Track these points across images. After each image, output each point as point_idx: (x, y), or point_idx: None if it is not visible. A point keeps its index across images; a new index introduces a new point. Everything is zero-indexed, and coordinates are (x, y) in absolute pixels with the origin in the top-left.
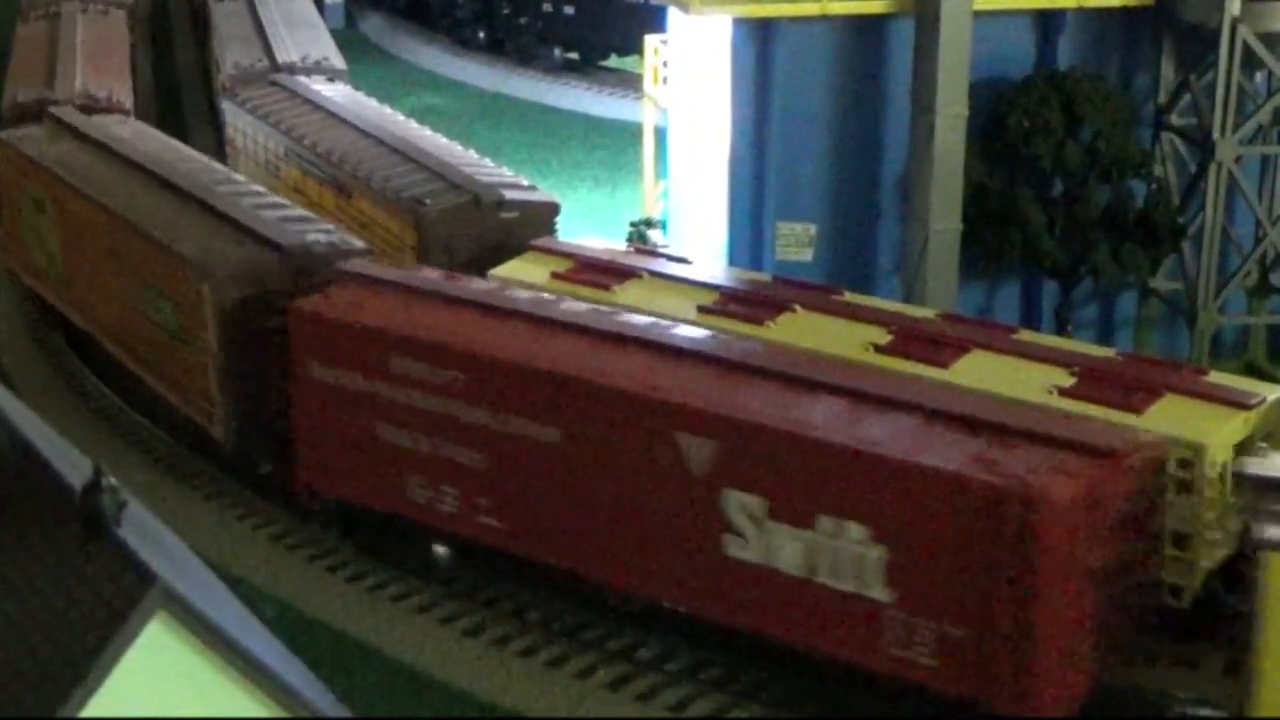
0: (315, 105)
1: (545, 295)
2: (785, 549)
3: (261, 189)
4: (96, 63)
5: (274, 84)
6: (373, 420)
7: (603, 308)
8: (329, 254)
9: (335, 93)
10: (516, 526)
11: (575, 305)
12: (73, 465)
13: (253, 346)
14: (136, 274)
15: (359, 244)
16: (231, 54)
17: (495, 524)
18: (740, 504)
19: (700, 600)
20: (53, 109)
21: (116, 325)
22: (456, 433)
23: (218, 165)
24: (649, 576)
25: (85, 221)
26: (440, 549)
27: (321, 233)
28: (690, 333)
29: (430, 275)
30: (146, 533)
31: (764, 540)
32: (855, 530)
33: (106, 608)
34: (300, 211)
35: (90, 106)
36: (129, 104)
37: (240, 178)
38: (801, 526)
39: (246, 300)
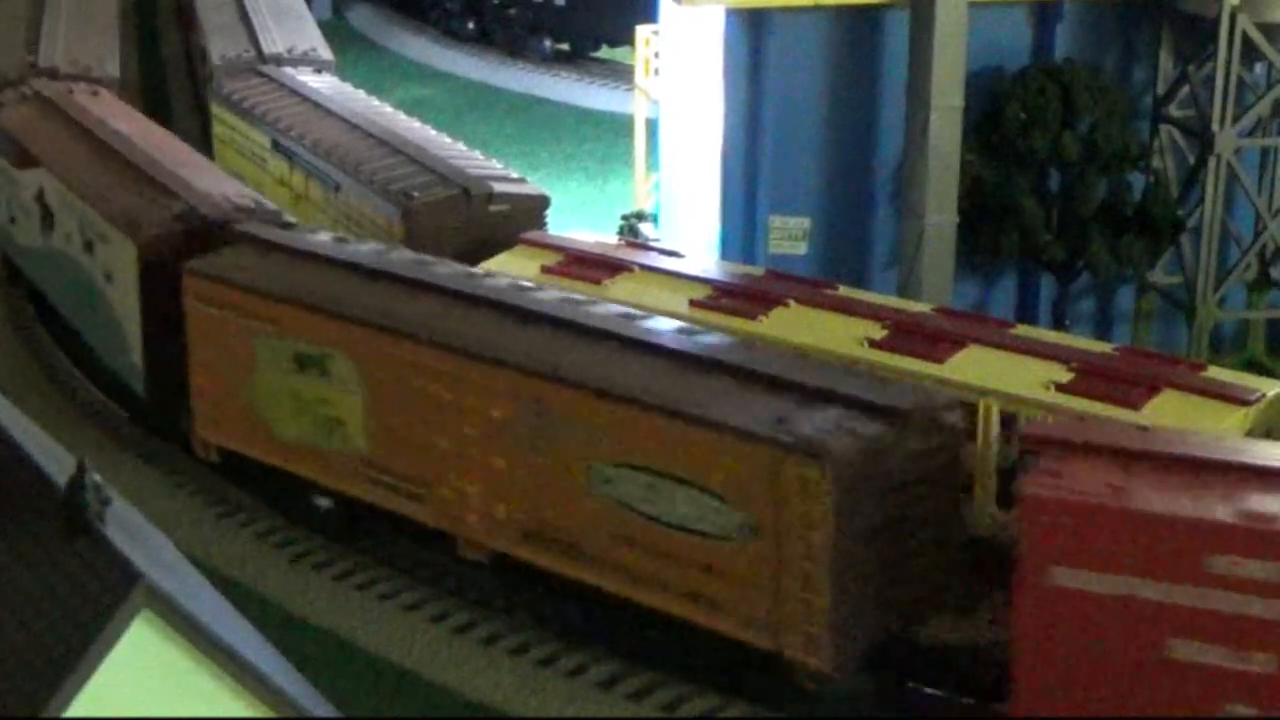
0: (302, 97)
1: None
2: None
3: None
4: (181, 160)
5: (260, 75)
6: (1165, 636)
7: None
8: (938, 412)
9: (322, 84)
10: None
11: None
12: (56, 461)
13: (875, 544)
14: (599, 454)
15: (948, 395)
16: (217, 45)
17: None
18: None
19: None
20: (242, 227)
21: (535, 521)
22: None
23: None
24: None
25: (455, 387)
26: None
27: (883, 382)
28: None
29: (1163, 434)
30: (131, 530)
31: None
32: None
33: (90, 606)
34: (825, 359)
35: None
36: (257, 203)
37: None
38: None
39: (877, 485)
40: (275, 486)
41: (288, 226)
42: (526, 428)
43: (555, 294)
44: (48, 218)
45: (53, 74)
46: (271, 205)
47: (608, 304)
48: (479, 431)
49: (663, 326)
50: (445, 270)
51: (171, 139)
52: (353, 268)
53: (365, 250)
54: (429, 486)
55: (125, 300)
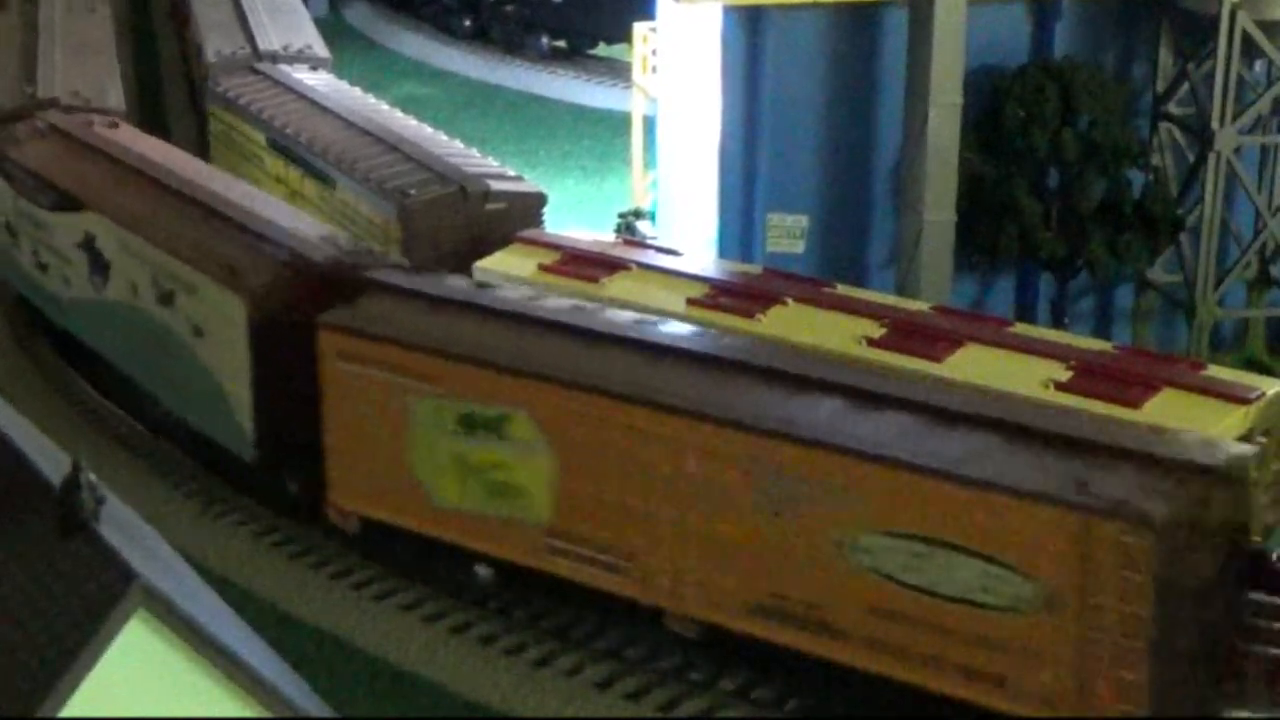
0: (298, 94)
1: None
2: None
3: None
4: (251, 198)
5: (256, 73)
6: None
7: None
8: (1235, 466)
9: (319, 82)
10: None
11: None
12: (51, 461)
13: (1189, 613)
14: (853, 520)
15: (1244, 447)
16: (213, 42)
17: None
18: None
19: None
20: (372, 273)
21: (768, 594)
22: None
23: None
24: None
25: (671, 451)
26: None
27: (1171, 436)
28: None
29: None
30: (126, 529)
31: None
32: None
33: (86, 605)
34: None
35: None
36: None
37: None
38: None
39: (1196, 549)
40: (428, 558)
41: (405, 270)
42: (761, 493)
43: (755, 343)
44: (100, 266)
45: (55, 105)
46: (377, 247)
47: (823, 354)
48: (699, 497)
49: (894, 378)
50: (620, 318)
51: (229, 176)
52: (513, 316)
53: (517, 297)
54: (632, 557)
55: (225, 357)
